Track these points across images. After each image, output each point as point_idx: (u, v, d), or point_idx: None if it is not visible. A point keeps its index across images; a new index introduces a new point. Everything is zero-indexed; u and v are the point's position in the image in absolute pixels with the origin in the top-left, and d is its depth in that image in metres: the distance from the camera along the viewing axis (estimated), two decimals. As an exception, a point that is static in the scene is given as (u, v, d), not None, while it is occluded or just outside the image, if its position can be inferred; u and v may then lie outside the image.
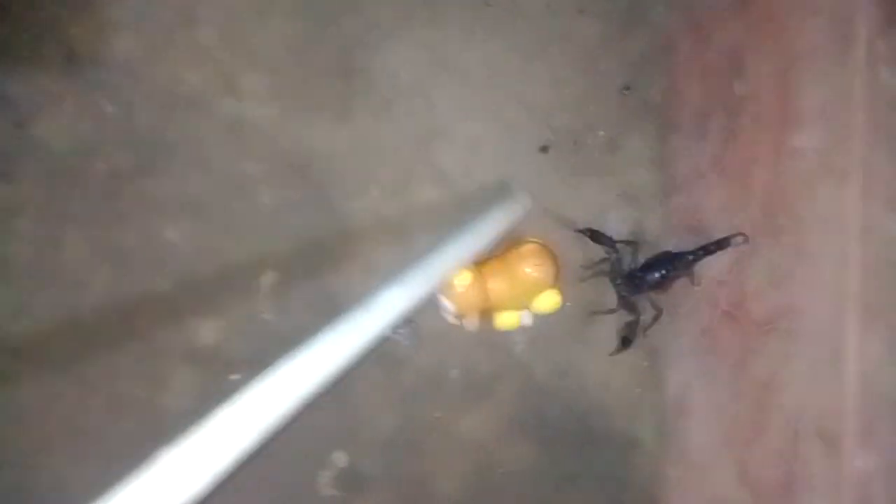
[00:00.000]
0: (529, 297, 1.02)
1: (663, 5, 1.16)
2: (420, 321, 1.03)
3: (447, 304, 0.97)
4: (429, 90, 1.08)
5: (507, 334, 1.07)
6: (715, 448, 0.98)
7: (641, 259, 1.06)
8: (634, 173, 1.14)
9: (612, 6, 1.14)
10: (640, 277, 1.03)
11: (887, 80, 0.82)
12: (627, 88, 1.14)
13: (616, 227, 1.11)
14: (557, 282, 1.03)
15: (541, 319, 1.06)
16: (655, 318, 1.05)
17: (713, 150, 1.04)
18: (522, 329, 1.07)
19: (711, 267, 1.02)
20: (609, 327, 1.09)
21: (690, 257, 1.01)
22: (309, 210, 1.04)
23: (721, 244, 0.98)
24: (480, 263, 0.99)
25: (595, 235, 1.05)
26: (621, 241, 1.06)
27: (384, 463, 1.03)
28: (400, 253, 1.03)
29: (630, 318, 1.04)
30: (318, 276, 1.03)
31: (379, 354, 1.04)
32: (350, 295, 1.01)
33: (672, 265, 1.02)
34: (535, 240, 1.04)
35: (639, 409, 1.11)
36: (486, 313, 1.02)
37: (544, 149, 1.11)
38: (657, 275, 1.02)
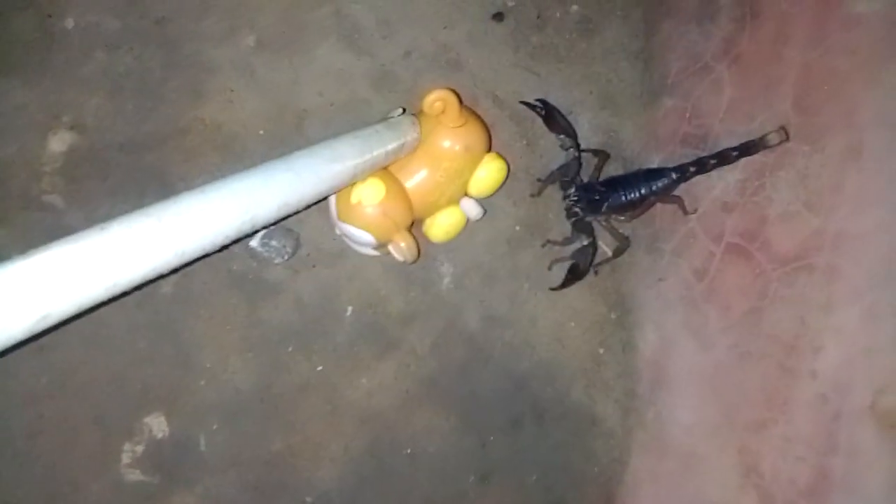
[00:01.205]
0: (463, 179, 0.77)
1: None
2: (304, 233, 0.77)
3: (360, 233, 0.72)
4: None
5: (429, 263, 0.83)
6: (707, 432, 0.78)
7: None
8: (612, 66, 0.95)
9: None
10: (600, 193, 0.83)
11: None
12: (611, -47, 0.93)
13: (584, 134, 0.90)
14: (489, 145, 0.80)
15: (475, 247, 0.83)
16: (619, 251, 0.87)
17: (724, 34, 0.85)
18: (467, 231, 0.82)
19: (714, 185, 0.82)
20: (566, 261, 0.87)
21: (674, 175, 0.80)
22: (142, 48, 0.73)
23: (746, 149, 0.76)
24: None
25: (549, 114, 0.85)
26: (588, 150, 0.88)
27: (227, 434, 0.74)
28: (272, 135, 0.75)
29: (583, 242, 0.84)
30: (140, 148, 0.71)
31: (237, 275, 0.75)
32: (188, 182, 0.71)
33: (647, 185, 0.82)
34: (439, 91, 0.71)
35: (600, 374, 0.88)
36: (415, 227, 0.77)
37: (498, 16, 0.91)
38: (623, 196, 0.82)
